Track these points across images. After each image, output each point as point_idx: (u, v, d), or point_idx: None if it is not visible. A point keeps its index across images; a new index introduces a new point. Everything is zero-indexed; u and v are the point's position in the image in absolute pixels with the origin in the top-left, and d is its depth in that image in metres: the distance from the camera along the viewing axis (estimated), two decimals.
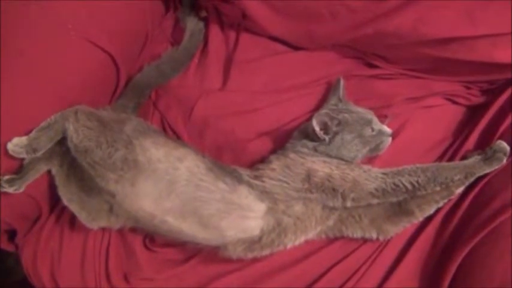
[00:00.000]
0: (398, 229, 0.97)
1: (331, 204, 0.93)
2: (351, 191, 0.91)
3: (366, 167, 0.95)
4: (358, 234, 0.98)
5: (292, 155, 0.97)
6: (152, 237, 1.06)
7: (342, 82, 1.07)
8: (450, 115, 1.09)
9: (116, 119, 0.98)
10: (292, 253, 0.99)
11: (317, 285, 0.98)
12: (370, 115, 0.99)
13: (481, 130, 1.02)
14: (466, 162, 0.94)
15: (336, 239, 1.00)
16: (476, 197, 0.94)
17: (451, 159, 1.02)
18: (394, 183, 0.91)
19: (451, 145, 1.04)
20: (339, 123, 0.96)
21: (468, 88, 1.10)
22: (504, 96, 1.01)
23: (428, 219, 0.98)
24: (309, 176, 0.92)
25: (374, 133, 0.97)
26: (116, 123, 0.96)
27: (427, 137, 1.07)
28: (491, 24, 0.96)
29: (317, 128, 0.95)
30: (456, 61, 1.02)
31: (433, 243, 0.97)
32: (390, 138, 0.98)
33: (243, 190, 0.93)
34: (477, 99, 1.09)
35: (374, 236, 0.97)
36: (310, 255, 1.00)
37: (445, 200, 0.96)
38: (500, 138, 0.96)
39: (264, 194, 0.93)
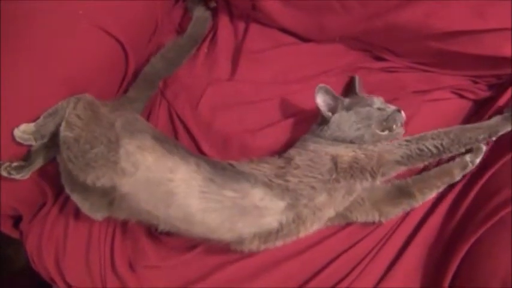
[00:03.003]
0: (398, 211, 0.98)
1: (358, 186, 0.92)
2: (379, 166, 0.91)
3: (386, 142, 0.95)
4: (362, 217, 0.98)
5: (312, 147, 0.96)
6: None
7: (357, 79, 1.07)
8: (457, 109, 1.10)
9: (109, 116, 0.95)
10: (297, 243, 0.98)
11: (321, 275, 0.98)
12: (374, 98, 0.99)
13: None
14: (488, 122, 0.94)
15: (340, 229, 1.00)
16: (481, 190, 0.95)
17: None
18: (419, 148, 0.91)
19: None
20: (336, 99, 0.98)
21: (475, 82, 1.10)
22: (510, 91, 1.01)
23: (433, 211, 0.99)
24: (335, 164, 0.91)
25: (374, 109, 0.96)
26: (108, 119, 0.94)
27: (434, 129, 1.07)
28: (500, 18, 0.97)
29: (319, 101, 0.97)
30: (464, 55, 1.03)
31: (437, 235, 0.98)
32: (402, 113, 0.96)
33: (258, 193, 0.90)
34: (484, 93, 1.10)
35: (376, 218, 0.98)
36: (315, 245, 1.00)
37: (445, 185, 0.98)
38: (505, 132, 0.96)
39: (286, 192, 0.90)
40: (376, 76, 1.15)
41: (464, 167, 0.96)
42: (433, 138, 0.92)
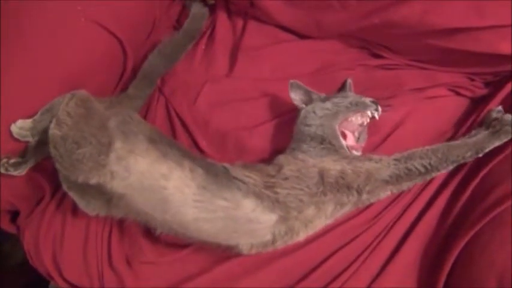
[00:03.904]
0: (412, 183, 0.97)
1: (346, 200, 0.92)
2: (366, 184, 0.90)
3: (376, 157, 0.94)
4: (374, 198, 0.98)
5: (301, 156, 0.95)
6: None
7: (348, 82, 1.08)
8: (454, 106, 1.10)
9: (103, 113, 0.93)
10: None
11: (317, 271, 0.98)
12: (349, 93, 1.00)
13: None
14: (475, 138, 0.93)
15: (336, 226, 1.00)
16: (478, 186, 0.95)
17: None
18: (407, 168, 0.90)
19: (453, 136, 1.04)
20: (309, 93, 1.00)
21: (472, 80, 1.10)
22: (507, 89, 1.01)
23: (429, 206, 0.99)
24: (322, 178, 0.90)
25: (347, 101, 0.97)
26: (101, 118, 0.91)
27: (431, 127, 1.07)
28: (498, 15, 0.96)
29: (296, 101, 1.00)
30: (462, 52, 1.03)
31: (434, 231, 0.98)
32: (378, 106, 0.96)
33: (249, 204, 0.89)
34: (480, 91, 1.09)
35: (388, 193, 0.97)
36: (311, 242, 0.99)
37: None
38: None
39: (276, 204, 0.90)
40: (374, 73, 1.15)
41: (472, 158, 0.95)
42: (421, 158, 0.91)
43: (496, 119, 0.94)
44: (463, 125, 1.05)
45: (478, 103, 1.08)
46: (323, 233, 1.00)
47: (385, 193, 0.95)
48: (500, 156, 0.94)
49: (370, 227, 1.00)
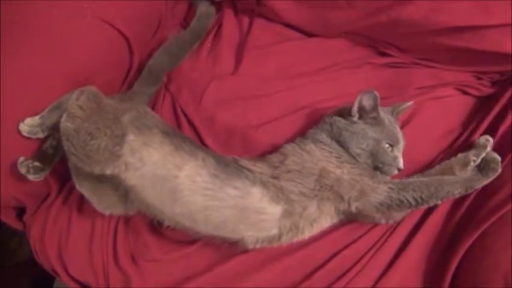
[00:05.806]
0: (402, 214, 0.98)
1: (340, 207, 0.93)
2: (356, 201, 0.91)
3: (379, 177, 0.94)
4: (368, 220, 0.99)
5: (309, 147, 0.95)
6: None
7: (409, 105, 1.04)
8: (461, 105, 1.10)
9: (116, 108, 0.94)
10: None
11: (323, 269, 0.98)
12: (402, 142, 0.98)
13: (491, 121, 1.02)
14: (465, 176, 0.94)
15: (342, 224, 1.00)
16: (482, 188, 0.94)
17: (460, 149, 1.01)
18: (399, 199, 0.90)
19: (460, 135, 1.05)
20: (375, 118, 0.96)
21: (479, 79, 1.10)
22: None
23: (434, 208, 0.98)
24: (320, 177, 0.91)
25: (388, 152, 0.95)
26: (114, 112, 0.92)
27: (438, 126, 1.07)
28: (505, 14, 0.96)
29: (356, 103, 0.95)
30: (469, 51, 1.03)
31: (439, 232, 0.98)
32: (397, 171, 0.96)
33: (256, 193, 0.91)
34: (488, 90, 1.09)
35: (383, 222, 0.98)
36: (317, 240, 1.00)
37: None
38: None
39: (280, 194, 0.91)
40: (381, 72, 1.15)
41: (466, 163, 0.94)
42: (414, 191, 0.90)
43: (486, 160, 0.94)
44: (470, 124, 1.05)
45: (485, 102, 1.08)
46: (327, 232, 1.00)
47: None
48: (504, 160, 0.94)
49: (375, 226, 1.00)
